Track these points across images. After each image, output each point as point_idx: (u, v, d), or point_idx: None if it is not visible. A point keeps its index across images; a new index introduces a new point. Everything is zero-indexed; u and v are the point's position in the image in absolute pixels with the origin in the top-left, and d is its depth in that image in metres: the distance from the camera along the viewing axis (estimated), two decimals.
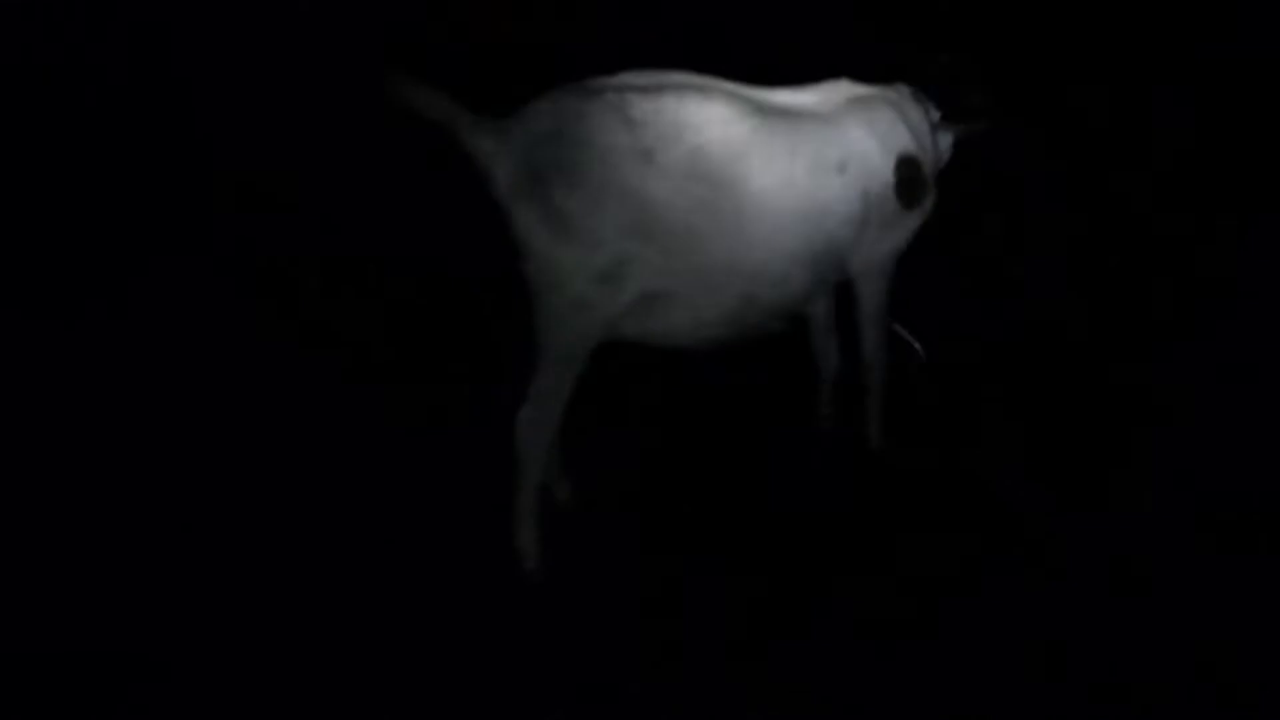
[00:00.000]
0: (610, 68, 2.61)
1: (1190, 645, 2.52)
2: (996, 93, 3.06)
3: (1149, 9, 3.65)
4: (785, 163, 2.61)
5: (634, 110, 2.50)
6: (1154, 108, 3.65)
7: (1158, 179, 3.65)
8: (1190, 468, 3.02)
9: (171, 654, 2.47)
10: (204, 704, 2.38)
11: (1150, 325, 3.52)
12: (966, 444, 3.17)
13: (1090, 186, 3.71)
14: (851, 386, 3.12)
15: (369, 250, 3.56)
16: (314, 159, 3.49)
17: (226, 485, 2.91)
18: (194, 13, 3.50)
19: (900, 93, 2.96)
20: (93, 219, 3.45)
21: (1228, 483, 2.97)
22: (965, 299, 3.56)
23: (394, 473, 2.98)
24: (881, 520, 2.91)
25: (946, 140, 3.07)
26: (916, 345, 3.22)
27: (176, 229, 3.49)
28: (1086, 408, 3.29)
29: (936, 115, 3.02)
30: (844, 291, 2.98)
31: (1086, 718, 2.39)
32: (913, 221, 2.89)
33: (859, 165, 2.73)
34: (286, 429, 3.09)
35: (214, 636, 2.52)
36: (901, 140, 2.82)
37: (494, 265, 2.70)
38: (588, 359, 2.59)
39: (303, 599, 2.61)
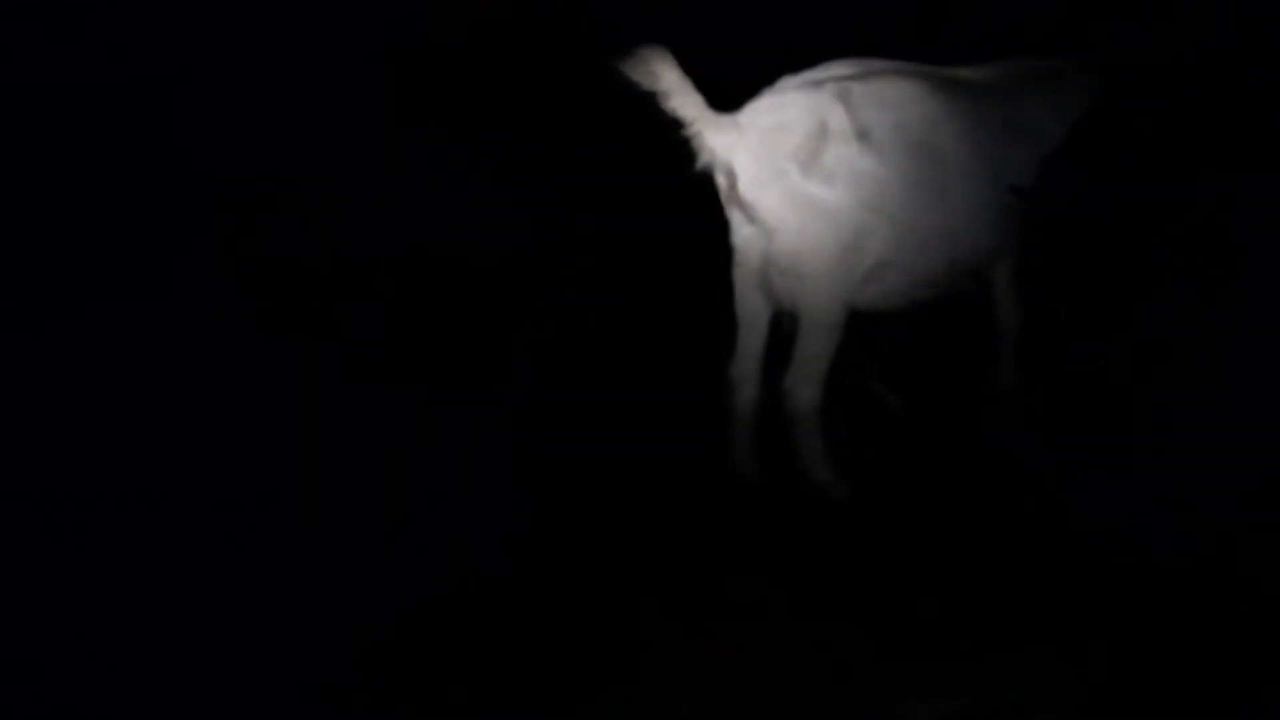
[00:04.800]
0: None
1: None
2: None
3: None
4: (974, 133, 2.86)
5: (854, 96, 2.82)
6: None
7: None
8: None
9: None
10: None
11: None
12: None
13: None
14: None
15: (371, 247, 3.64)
16: (313, 157, 3.63)
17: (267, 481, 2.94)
18: (197, 10, 3.65)
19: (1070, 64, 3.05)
20: (100, 222, 3.53)
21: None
22: None
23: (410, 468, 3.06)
24: None
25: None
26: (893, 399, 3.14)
27: (179, 231, 3.57)
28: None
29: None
30: None
31: None
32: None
33: (1035, 132, 2.91)
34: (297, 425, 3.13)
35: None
36: (1074, 108, 2.90)
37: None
38: (844, 325, 2.84)
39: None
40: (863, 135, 2.78)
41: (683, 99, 2.80)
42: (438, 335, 3.58)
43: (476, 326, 3.62)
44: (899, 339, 3.13)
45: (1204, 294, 2.94)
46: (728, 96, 2.87)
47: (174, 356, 3.30)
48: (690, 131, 2.82)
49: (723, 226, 2.89)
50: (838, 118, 2.78)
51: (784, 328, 2.90)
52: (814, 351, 2.81)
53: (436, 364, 3.49)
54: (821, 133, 2.78)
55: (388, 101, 3.09)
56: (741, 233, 2.88)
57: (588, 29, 3.56)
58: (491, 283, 3.64)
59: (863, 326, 2.92)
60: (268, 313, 3.52)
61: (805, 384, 2.80)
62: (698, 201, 2.91)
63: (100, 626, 2.49)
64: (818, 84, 2.84)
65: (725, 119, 2.84)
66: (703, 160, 2.83)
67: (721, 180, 2.87)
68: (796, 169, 2.78)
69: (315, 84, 3.69)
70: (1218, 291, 2.92)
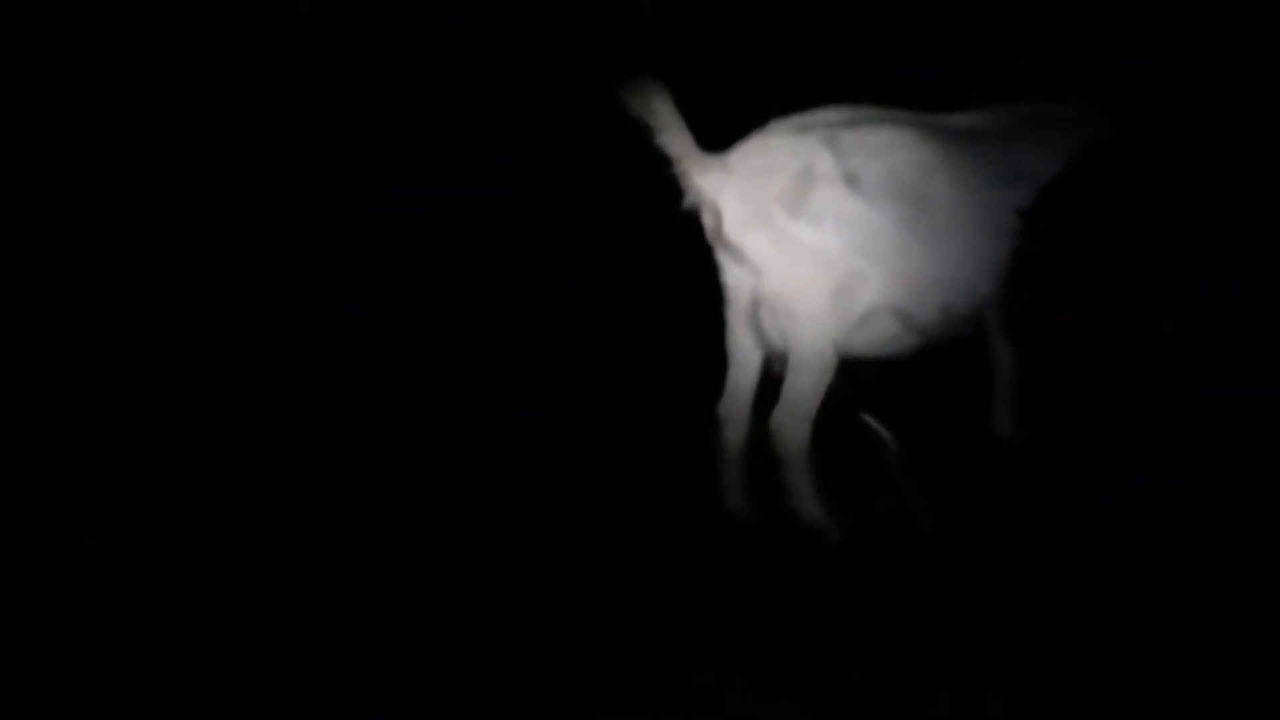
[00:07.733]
0: None
1: None
2: None
3: None
4: (969, 179, 2.88)
5: (842, 141, 2.84)
6: None
7: None
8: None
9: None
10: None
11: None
12: None
13: None
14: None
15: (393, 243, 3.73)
16: (339, 153, 3.71)
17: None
18: (230, 8, 3.72)
19: (1067, 107, 3.10)
20: (130, 215, 3.63)
21: None
22: None
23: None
24: None
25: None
26: (886, 435, 3.13)
27: (205, 224, 3.67)
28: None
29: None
30: None
31: None
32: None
33: (1033, 177, 2.96)
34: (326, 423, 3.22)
35: None
36: (1070, 149, 3.00)
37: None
38: (834, 366, 2.86)
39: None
40: (850, 180, 2.79)
41: (672, 136, 2.80)
42: (449, 335, 3.66)
43: (477, 335, 3.66)
44: (891, 374, 3.12)
45: (1214, 307, 3.02)
46: (722, 138, 2.90)
47: (192, 349, 3.38)
48: (677, 169, 2.83)
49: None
50: (824, 162, 2.80)
51: (775, 370, 2.94)
52: (803, 392, 2.84)
53: (447, 364, 3.56)
54: (807, 176, 2.79)
55: (417, 99, 3.08)
56: (732, 272, 2.91)
57: (602, 46, 3.60)
58: (499, 287, 3.67)
59: (855, 363, 2.94)
60: (283, 306, 3.58)
61: (793, 423, 2.84)
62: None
63: (105, 619, 2.52)
64: (806, 128, 2.85)
65: (713, 159, 2.85)
66: (689, 199, 2.85)
67: (708, 219, 2.88)
68: (782, 211, 2.80)
69: (344, 81, 3.72)
70: (1230, 305, 3.01)
